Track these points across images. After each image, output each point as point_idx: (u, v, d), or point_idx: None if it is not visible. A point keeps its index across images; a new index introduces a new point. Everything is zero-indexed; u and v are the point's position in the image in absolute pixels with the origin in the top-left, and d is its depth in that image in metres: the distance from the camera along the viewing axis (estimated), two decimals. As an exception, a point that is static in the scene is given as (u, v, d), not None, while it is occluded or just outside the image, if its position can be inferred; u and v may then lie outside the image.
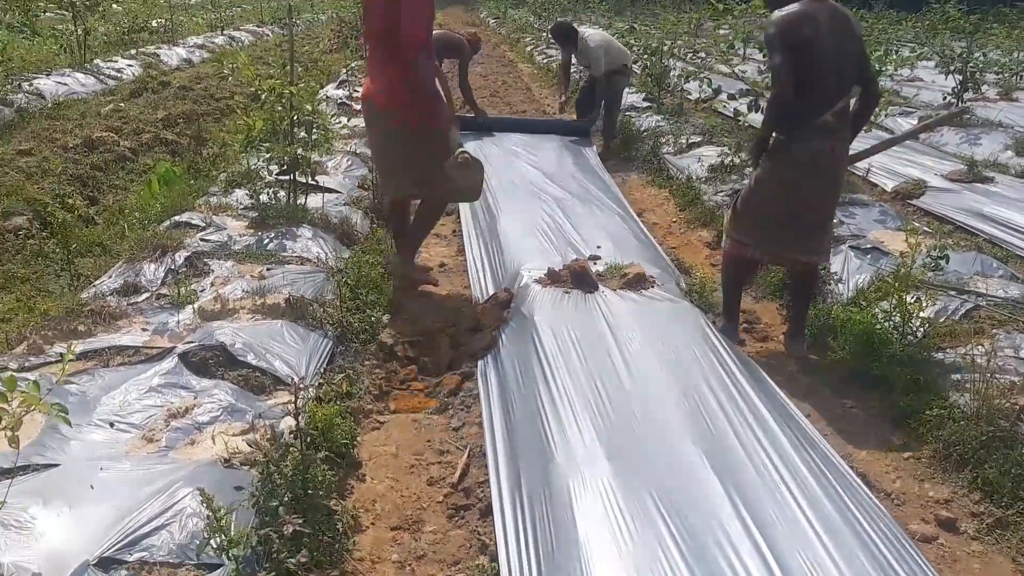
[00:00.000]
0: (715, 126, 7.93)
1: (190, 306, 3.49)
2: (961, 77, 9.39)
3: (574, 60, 7.99)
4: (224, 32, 17.41)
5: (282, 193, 5.03)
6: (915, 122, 8.51)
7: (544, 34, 18.83)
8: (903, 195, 6.74)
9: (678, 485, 2.45)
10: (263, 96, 4.72)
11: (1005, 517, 2.67)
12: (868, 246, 4.71)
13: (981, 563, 2.54)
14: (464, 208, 5.79)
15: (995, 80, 10.80)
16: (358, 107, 8.76)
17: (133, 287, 3.70)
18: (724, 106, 6.02)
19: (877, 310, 3.84)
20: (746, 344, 4.05)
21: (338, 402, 3.04)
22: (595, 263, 4.27)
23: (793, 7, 3.46)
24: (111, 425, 2.60)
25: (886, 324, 3.66)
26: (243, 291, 3.62)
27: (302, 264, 4.16)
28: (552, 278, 3.93)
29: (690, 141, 7.46)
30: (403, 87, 3.98)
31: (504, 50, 18.82)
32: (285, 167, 4.87)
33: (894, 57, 12.11)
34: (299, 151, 4.80)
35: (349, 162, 6.35)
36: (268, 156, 4.67)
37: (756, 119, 7.13)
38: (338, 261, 4.29)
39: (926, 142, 8.43)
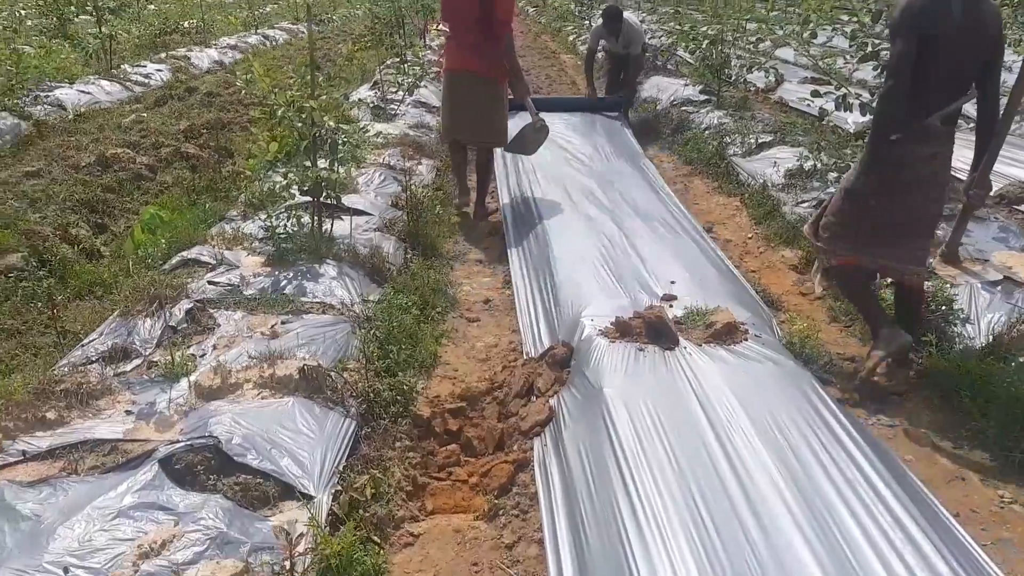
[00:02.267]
0: (787, 123, 7.11)
1: (186, 379, 2.88)
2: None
3: (601, 46, 8.40)
4: (258, 31, 16.94)
5: (306, 218, 4.43)
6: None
7: (586, 22, 18.04)
8: (1009, 200, 5.86)
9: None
10: (279, 112, 4.10)
11: None
12: (997, 276, 3.92)
13: None
14: (512, 229, 5.12)
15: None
16: (392, 110, 8.21)
17: (123, 351, 3.11)
18: (809, 104, 5.23)
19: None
20: (862, 406, 3.32)
21: (361, 513, 2.40)
22: (671, 305, 3.56)
23: None
24: (65, 572, 1.99)
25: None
26: (250, 356, 3.00)
27: (323, 312, 3.53)
28: (621, 330, 3.24)
29: (760, 141, 6.66)
30: (498, 60, 5.25)
31: (545, 40, 18.06)
32: (307, 189, 4.25)
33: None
34: (322, 172, 4.18)
35: (382, 177, 5.71)
36: (285, 183, 4.05)
37: (842, 118, 6.37)
38: (366, 306, 3.66)
39: (1017, 133, 7.52)
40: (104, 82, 9.81)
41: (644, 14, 17.68)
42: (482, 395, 3.25)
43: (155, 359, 3.06)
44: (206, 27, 15.54)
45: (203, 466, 2.38)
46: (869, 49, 5.10)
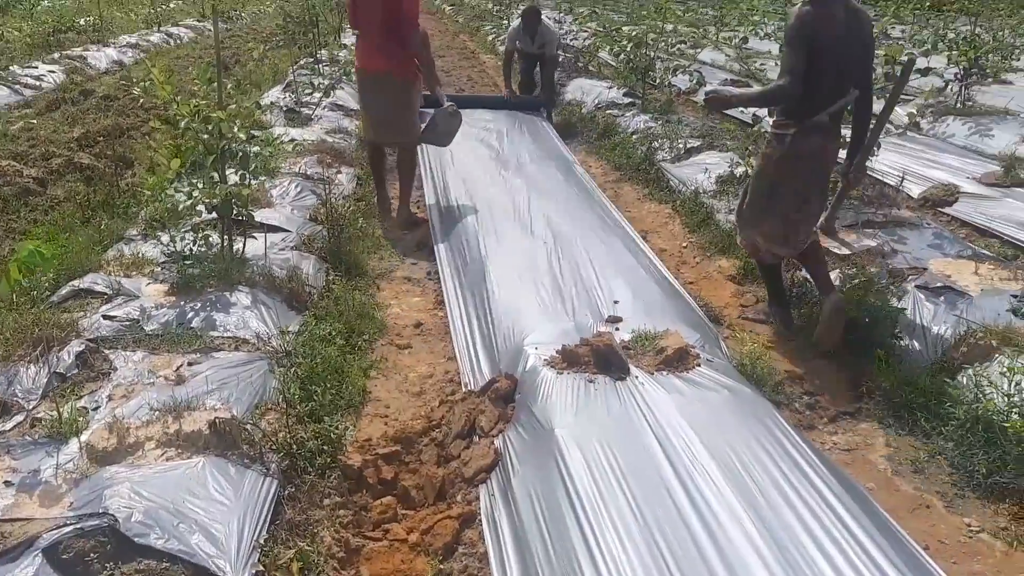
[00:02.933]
0: (715, 128, 7.05)
1: (76, 439, 2.49)
2: (966, 62, 8.55)
3: (517, 46, 8.35)
4: (161, 29, 16.05)
5: (215, 236, 4.04)
6: (914, 111, 7.77)
7: (504, 22, 17.84)
8: (933, 202, 5.94)
9: None
10: (182, 123, 3.71)
11: None
12: (938, 284, 3.86)
13: None
14: (441, 242, 4.83)
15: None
16: (308, 113, 7.78)
17: (2, 405, 2.70)
18: (742, 110, 5.16)
19: (985, 383, 2.99)
20: (816, 428, 3.19)
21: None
22: (617, 328, 3.36)
23: (814, 3, 3.44)
24: None
25: (1004, 405, 2.83)
26: (152, 408, 2.63)
27: (236, 349, 3.17)
28: (568, 359, 3.01)
29: (688, 146, 6.58)
30: (406, 58, 5.18)
31: (464, 40, 17.76)
32: (215, 207, 3.87)
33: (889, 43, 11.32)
34: (232, 188, 3.81)
35: (298, 188, 5.33)
36: (189, 201, 3.65)
37: (766, 121, 6.32)
38: (284, 339, 3.31)
39: (931, 134, 7.71)
40: (-11, 85, 9.04)
41: (562, 14, 17.62)
42: (418, 436, 2.97)
43: (40, 415, 2.65)
44: (104, 24, 14.62)
45: (97, 552, 2.02)
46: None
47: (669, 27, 11.38)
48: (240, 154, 3.80)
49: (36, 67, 10.45)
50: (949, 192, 5.98)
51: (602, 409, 2.70)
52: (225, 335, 3.27)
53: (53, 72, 10.45)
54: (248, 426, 2.58)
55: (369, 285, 4.40)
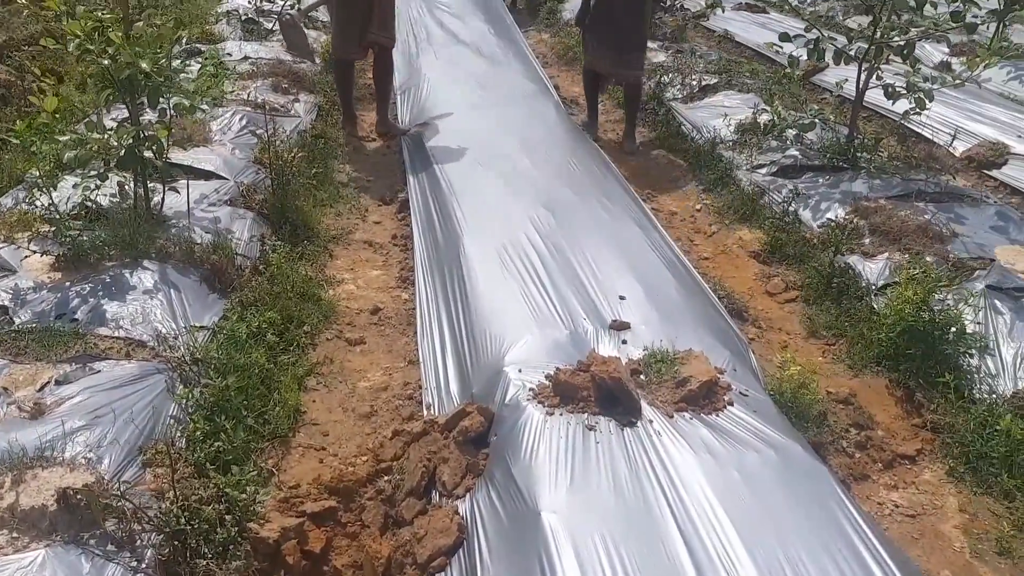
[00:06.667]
0: (732, 62, 6.16)
1: None
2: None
3: None
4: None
5: (129, 187, 3.25)
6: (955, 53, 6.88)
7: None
8: (979, 163, 5.16)
9: None
10: (71, 47, 2.86)
11: None
12: (1015, 284, 3.15)
13: None
14: (415, 205, 4.01)
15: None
16: (270, 24, 6.79)
17: None
18: (777, 50, 4.35)
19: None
20: (869, 478, 2.52)
21: None
22: (624, 340, 2.63)
23: None
24: None
25: None
26: (-15, 462, 1.90)
27: (127, 356, 2.43)
28: (561, 392, 2.28)
29: (703, 83, 5.72)
30: None
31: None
32: (121, 158, 3.05)
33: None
34: (137, 132, 2.99)
35: (244, 121, 4.46)
36: (75, 153, 2.81)
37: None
38: (195, 340, 2.55)
39: (966, 79, 6.85)
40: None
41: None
42: (362, 484, 2.27)
43: None
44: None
45: None
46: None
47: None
48: (148, 88, 2.95)
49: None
50: (998, 152, 5.19)
51: (606, 479, 1.99)
52: (116, 334, 2.52)
53: (-13, -37, 9.23)
54: (114, 497, 1.85)
55: (319, 252, 3.62)
